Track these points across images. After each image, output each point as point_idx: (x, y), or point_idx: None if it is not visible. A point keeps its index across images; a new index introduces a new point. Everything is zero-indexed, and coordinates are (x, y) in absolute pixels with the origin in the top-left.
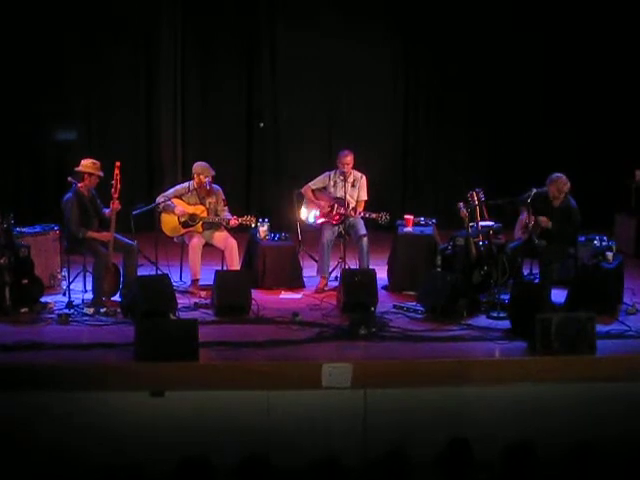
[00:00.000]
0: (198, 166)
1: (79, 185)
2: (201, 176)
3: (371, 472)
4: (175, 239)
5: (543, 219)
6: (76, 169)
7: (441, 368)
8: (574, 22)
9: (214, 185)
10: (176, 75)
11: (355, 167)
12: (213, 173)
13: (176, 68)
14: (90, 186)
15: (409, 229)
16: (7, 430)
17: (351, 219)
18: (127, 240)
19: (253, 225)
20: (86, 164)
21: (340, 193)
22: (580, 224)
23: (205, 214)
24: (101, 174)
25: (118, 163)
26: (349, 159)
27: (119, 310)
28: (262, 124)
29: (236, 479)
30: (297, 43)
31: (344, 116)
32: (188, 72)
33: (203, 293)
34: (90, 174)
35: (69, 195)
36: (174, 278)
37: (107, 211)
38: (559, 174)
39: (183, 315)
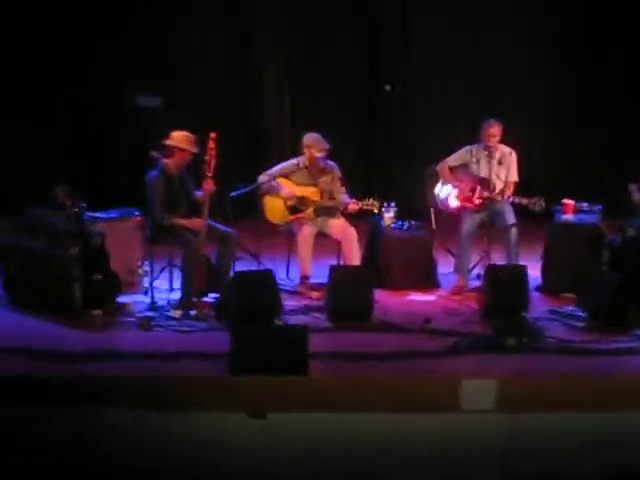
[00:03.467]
0: (309, 138)
1: (166, 161)
2: (312, 150)
3: None
4: (281, 227)
5: None
6: (165, 142)
7: (607, 388)
8: None
9: (329, 161)
10: (279, 22)
11: (503, 141)
12: (327, 147)
13: (280, 11)
14: (181, 164)
15: (569, 217)
16: (78, 455)
17: (497, 204)
18: (223, 227)
19: (376, 211)
20: (178, 137)
21: (484, 172)
22: None
23: (318, 197)
24: (195, 150)
25: (213, 134)
26: (495, 130)
27: (212, 313)
28: (388, 87)
29: None
30: None
31: (490, 78)
32: (294, 17)
33: (315, 294)
34: (182, 150)
35: (154, 173)
36: (279, 275)
37: (199, 194)
38: None
39: (290, 320)
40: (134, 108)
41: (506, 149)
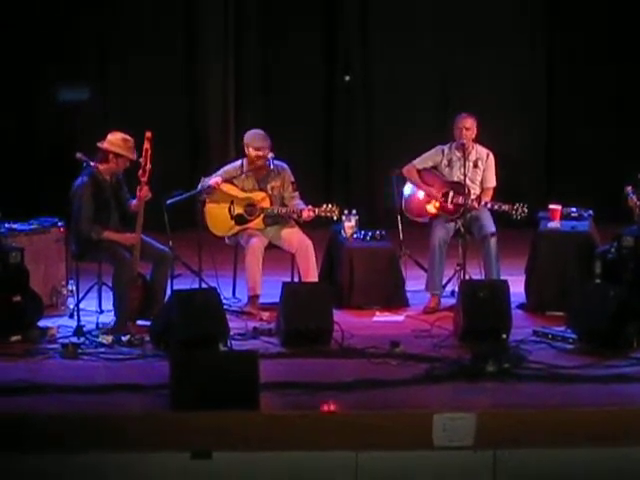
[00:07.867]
0: (247, 135)
1: (98, 166)
2: (250, 148)
3: None
4: (226, 239)
5: None
6: (99, 146)
7: (602, 419)
8: None
9: (279, 162)
10: (227, 12)
11: (479, 140)
12: (266, 144)
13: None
14: (116, 171)
15: (555, 224)
16: None
17: (473, 212)
18: (159, 245)
19: (336, 218)
20: (115, 141)
21: (458, 175)
22: None
23: (267, 203)
24: (134, 157)
25: (149, 134)
26: (469, 123)
27: (148, 338)
28: (348, 77)
29: None
30: None
31: (465, 70)
32: (243, 7)
33: (265, 314)
34: (118, 156)
35: (83, 179)
36: (225, 294)
37: (133, 202)
38: None
39: (237, 345)
40: (56, 102)
41: (483, 150)
